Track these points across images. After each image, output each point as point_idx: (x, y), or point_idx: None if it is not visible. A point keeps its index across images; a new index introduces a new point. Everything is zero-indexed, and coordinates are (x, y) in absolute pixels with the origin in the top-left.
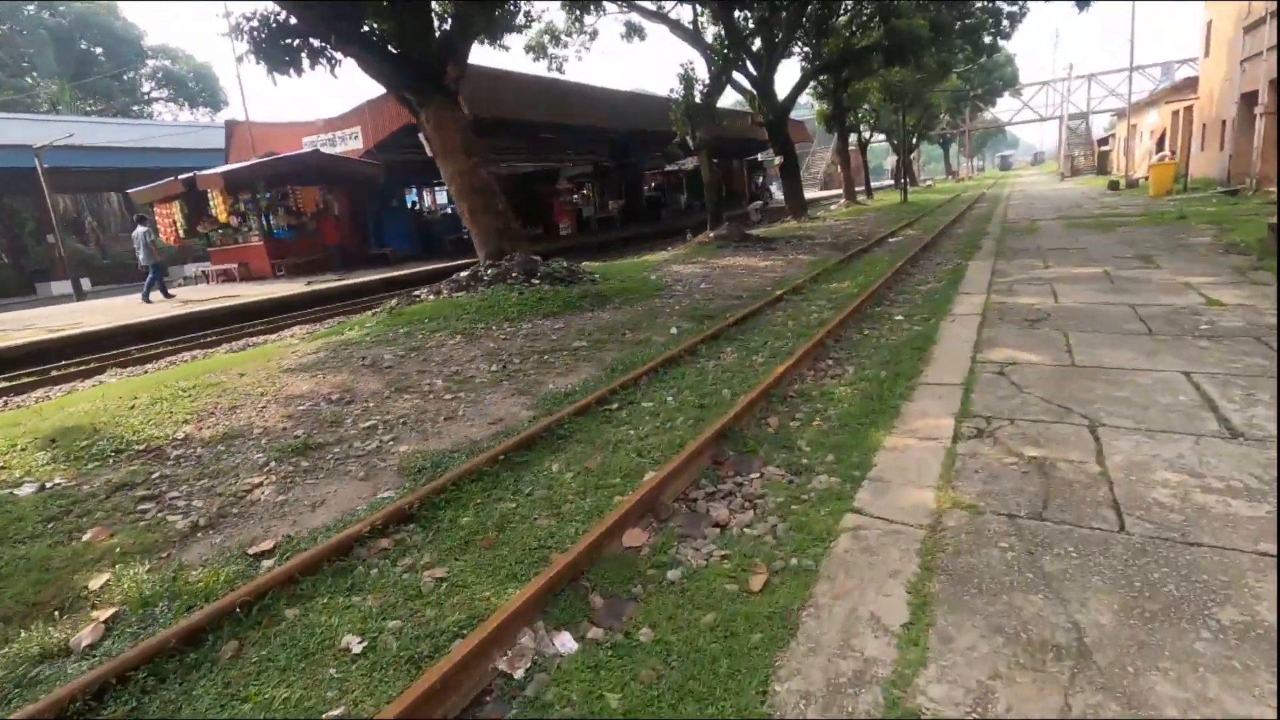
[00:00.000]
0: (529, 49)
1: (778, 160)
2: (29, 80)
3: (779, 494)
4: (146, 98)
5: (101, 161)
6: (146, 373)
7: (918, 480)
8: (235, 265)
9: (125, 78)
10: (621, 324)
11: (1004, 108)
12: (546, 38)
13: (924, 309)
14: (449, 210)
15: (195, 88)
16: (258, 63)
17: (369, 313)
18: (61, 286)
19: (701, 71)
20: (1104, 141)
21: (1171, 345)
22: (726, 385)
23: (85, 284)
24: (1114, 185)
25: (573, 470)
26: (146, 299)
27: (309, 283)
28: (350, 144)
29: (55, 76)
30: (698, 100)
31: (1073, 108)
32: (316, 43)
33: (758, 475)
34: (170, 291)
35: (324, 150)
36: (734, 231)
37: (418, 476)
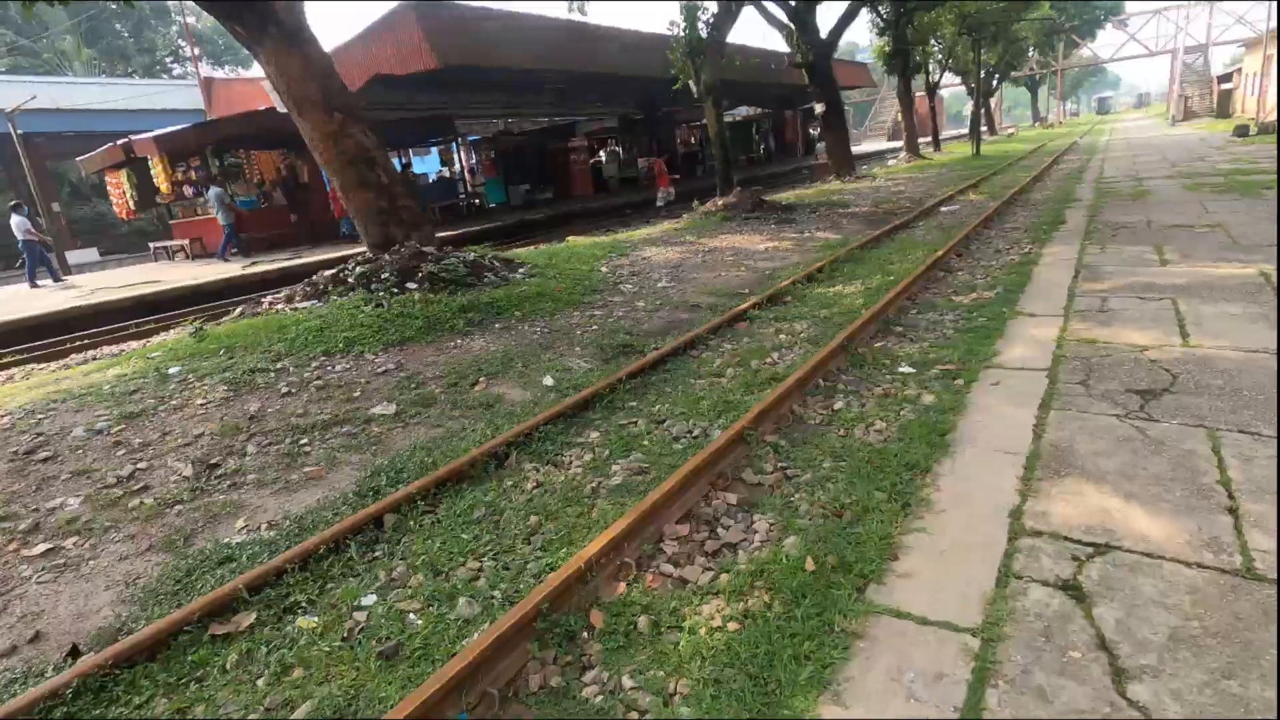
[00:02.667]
0: None
1: (819, 108)
2: (59, 43)
3: None
4: (180, 56)
5: (101, 125)
6: None
7: None
8: (187, 241)
9: (144, 36)
10: (489, 361)
11: (1104, 42)
12: None
13: (953, 349)
14: (443, 173)
15: (222, 44)
16: None
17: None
18: (75, 256)
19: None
20: (1226, 78)
21: None
22: (503, 565)
23: (93, 253)
24: (1242, 131)
25: None
26: (224, 258)
27: (249, 264)
28: None
29: (66, 36)
30: (703, 35)
31: (1189, 40)
32: None
33: None
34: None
35: None
36: (747, 199)
37: None
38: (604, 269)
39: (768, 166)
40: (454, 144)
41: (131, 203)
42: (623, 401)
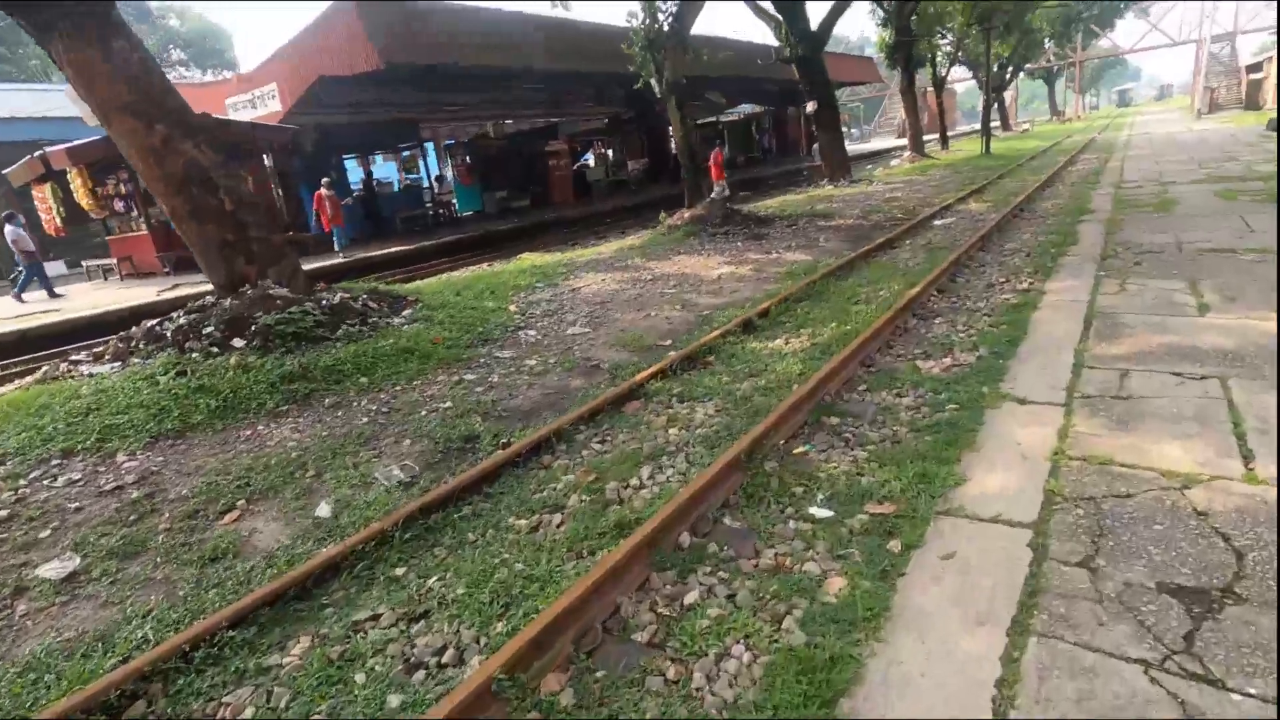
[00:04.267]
0: None
1: (810, 106)
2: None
3: None
4: (167, 61)
5: (73, 134)
6: None
7: None
8: (116, 260)
9: None
10: (273, 467)
11: (1124, 32)
12: None
13: (899, 470)
14: (410, 181)
15: (211, 46)
16: None
17: None
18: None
19: None
20: (1256, 68)
21: None
22: None
23: (60, 266)
24: (1276, 125)
25: None
26: None
27: (171, 287)
28: (270, 105)
29: None
30: (664, 27)
31: (1216, 28)
32: None
33: None
34: None
35: (244, 114)
36: (716, 211)
37: None
38: (513, 307)
39: (765, 167)
40: (420, 149)
41: (59, 219)
42: (389, 565)
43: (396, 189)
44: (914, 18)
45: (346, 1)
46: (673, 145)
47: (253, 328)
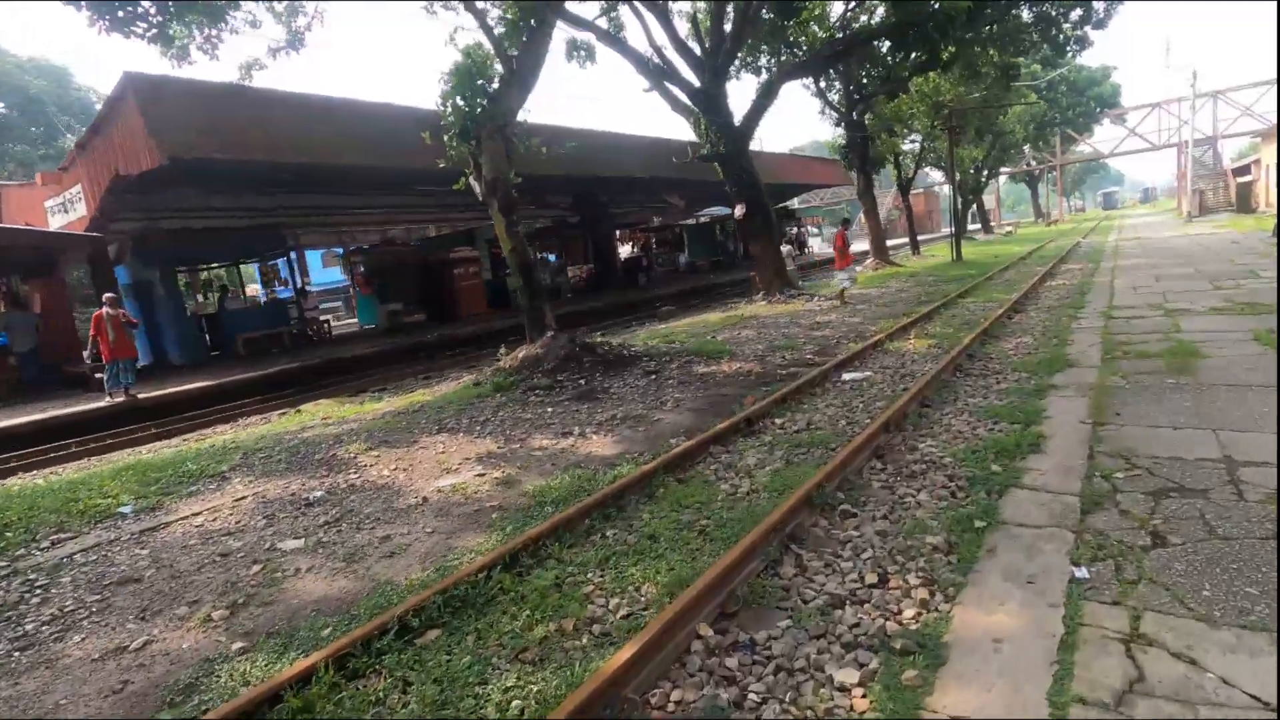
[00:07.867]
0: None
1: (738, 210)
2: None
3: None
4: None
5: None
6: None
7: None
8: None
9: (55, 141)
10: None
11: (1103, 137)
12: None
13: None
14: (268, 297)
15: None
16: None
17: None
18: None
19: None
20: (1242, 171)
21: None
22: None
23: None
24: None
25: None
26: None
27: None
28: (78, 210)
29: None
30: (476, 111)
31: (1196, 133)
32: None
33: None
34: None
35: (58, 219)
36: (558, 348)
37: None
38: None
39: (725, 273)
40: (289, 259)
41: None
42: None
43: (260, 304)
44: (868, 116)
45: (129, 76)
46: (622, 251)
47: None
